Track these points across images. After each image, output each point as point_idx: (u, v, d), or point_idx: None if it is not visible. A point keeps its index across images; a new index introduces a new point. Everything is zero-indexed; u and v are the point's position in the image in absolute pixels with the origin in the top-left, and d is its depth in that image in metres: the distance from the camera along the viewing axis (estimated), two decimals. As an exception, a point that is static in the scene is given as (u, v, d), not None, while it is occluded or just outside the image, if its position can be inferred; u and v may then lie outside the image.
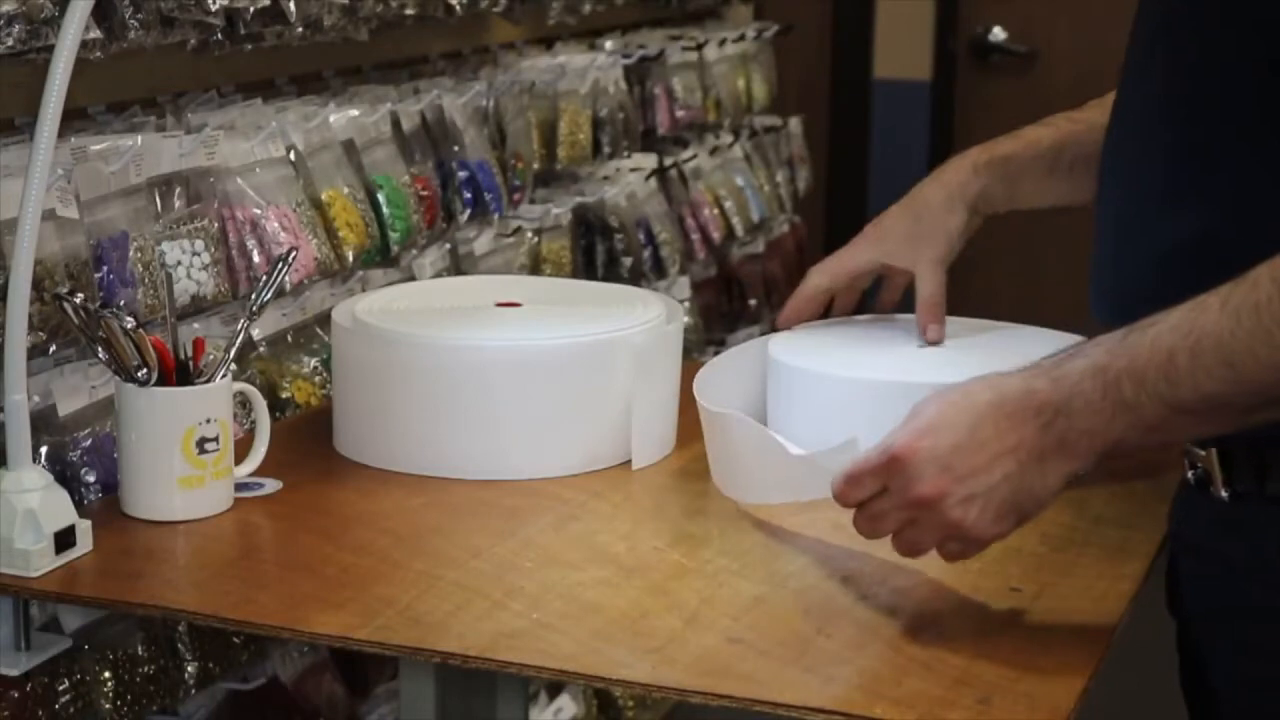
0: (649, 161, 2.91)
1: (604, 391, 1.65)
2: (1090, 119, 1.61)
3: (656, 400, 1.69)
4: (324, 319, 2.07)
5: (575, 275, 2.66)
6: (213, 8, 1.74)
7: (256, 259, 1.88)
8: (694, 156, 3.11)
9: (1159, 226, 1.29)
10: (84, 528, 1.47)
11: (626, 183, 2.82)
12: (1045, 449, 1.20)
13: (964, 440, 1.21)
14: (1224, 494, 1.28)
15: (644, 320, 1.70)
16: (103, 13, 1.65)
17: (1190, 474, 1.32)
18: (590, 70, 2.71)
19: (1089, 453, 1.20)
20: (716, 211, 3.13)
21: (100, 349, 1.53)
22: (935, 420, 1.23)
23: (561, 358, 1.64)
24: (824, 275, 1.73)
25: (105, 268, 1.68)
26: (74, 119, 1.77)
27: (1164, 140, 1.30)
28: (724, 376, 1.66)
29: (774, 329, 1.75)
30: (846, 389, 1.58)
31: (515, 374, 1.63)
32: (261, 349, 1.97)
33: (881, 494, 1.25)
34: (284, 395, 1.95)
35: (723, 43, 3.26)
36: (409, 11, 2.16)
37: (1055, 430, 1.19)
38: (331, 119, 2.08)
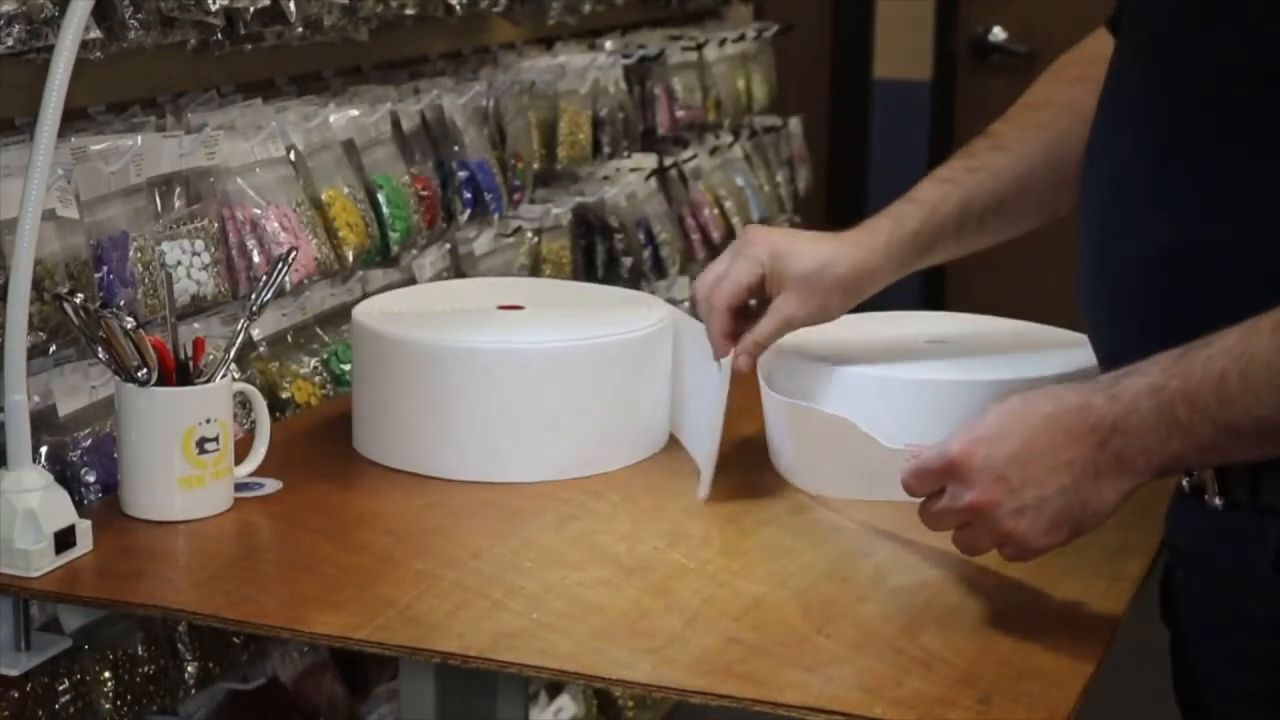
0: (649, 161, 2.92)
1: (604, 395, 1.65)
2: (990, 165, 1.56)
3: (657, 403, 1.69)
4: (324, 319, 2.07)
5: (575, 275, 2.66)
6: (213, 8, 1.74)
7: (256, 259, 1.88)
8: (694, 156, 3.11)
9: (1144, 230, 1.28)
10: (84, 528, 1.47)
11: (626, 183, 2.82)
12: (1101, 465, 1.20)
13: (1019, 451, 1.22)
14: (1218, 503, 1.27)
15: (646, 323, 1.70)
16: (103, 13, 1.65)
17: (1185, 481, 1.31)
18: (590, 70, 2.71)
19: (1146, 470, 1.20)
20: (716, 211, 3.13)
21: (100, 349, 1.53)
22: (993, 428, 1.23)
23: (561, 361, 1.63)
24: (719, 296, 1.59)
25: (105, 268, 1.68)
26: (74, 119, 1.77)
27: (1149, 144, 1.29)
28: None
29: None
30: (849, 385, 1.58)
31: (514, 377, 1.62)
32: (261, 349, 1.97)
33: (941, 493, 1.27)
34: (284, 395, 1.95)
35: (723, 43, 3.26)
36: (409, 11, 2.16)
37: (1111, 447, 1.19)
38: (331, 119, 2.08)
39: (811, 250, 1.57)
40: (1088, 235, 1.35)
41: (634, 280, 2.76)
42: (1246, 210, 1.23)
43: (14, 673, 1.55)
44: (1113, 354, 1.31)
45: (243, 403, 1.67)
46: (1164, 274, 1.27)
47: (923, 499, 1.29)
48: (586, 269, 2.72)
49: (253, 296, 1.63)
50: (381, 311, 1.73)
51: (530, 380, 1.63)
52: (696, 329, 1.62)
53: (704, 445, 1.58)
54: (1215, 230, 1.24)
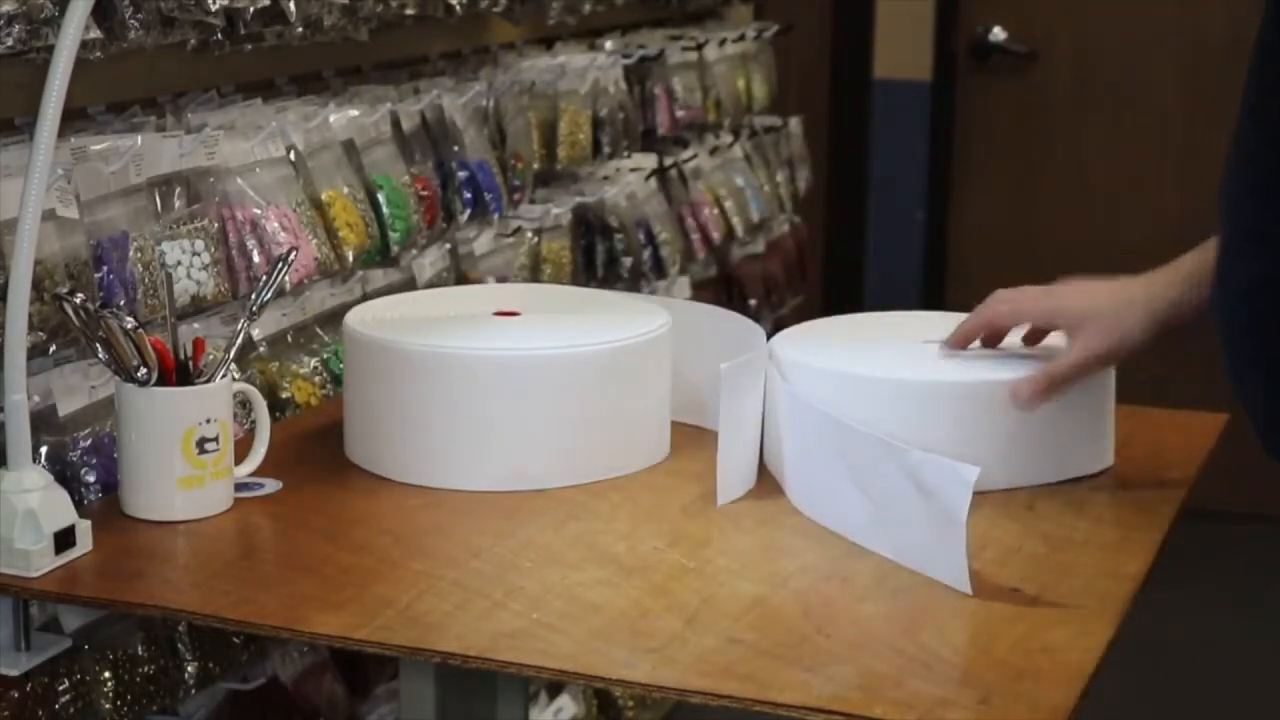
0: (649, 161, 2.92)
1: (602, 401, 1.64)
2: None
3: (653, 411, 1.69)
4: (324, 319, 2.07)
5: (575, 275, 2.66)
6: (213, 8, 1.74)
7: (256, 259, 1.88)
8: (694, 156, 3.11)
9: (1245, 261, 1.28)
10: (84, 528, 1.47)
11: (626, 183, 2.82)
12: None
13: None
14: None
15: (643, 331, 1.69)
16: (103, 13, 1.65)
17: None
18: (590, 70, 2.71)
19: None
20: (716, 211, 3.13)
21: (100, 349, 1.53)
22: None
23: (557, 367, 1.63)
24: (1001, 303, 1.64)
25: (105, 268, 1.68)
26: (74, 119, 1.77)
27: (1249, 175, 1.28)
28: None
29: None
30: (849, 385, 1.58)
31: (509, 383, 1.61)
32: (261, 349, 1.97)
33: None
34: (284, 395, 1.95)
35: (723, 43, 3.26)
36: (409, 11, 2.17)
37: None
38: (331, 119, 2.08)
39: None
40: (1217, 256, 1.35)
41: (634, 280, 2.76)
42: None
43: (14, 673, 1.55)
44: (1232, 380, 1.30)
45: (243, 403, 1.67)
46: (1261, 306, 1.26)
47: None
48: (586, 269, 2.72)
49: (253, 296, 1.63)
50: (374, 318, 1.72)
51: (525, 387, 1.61)
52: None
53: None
54: None
